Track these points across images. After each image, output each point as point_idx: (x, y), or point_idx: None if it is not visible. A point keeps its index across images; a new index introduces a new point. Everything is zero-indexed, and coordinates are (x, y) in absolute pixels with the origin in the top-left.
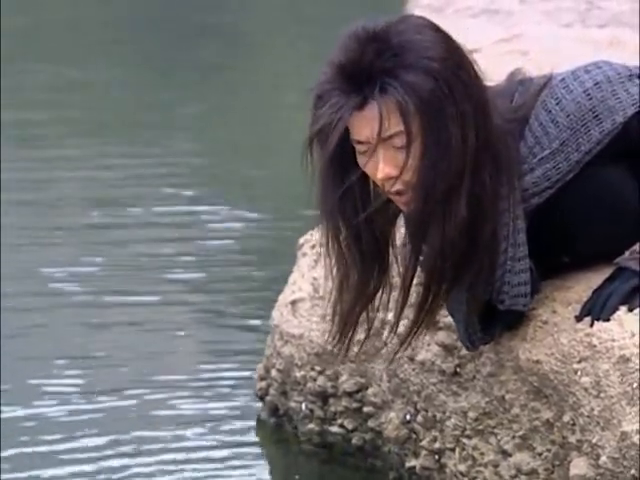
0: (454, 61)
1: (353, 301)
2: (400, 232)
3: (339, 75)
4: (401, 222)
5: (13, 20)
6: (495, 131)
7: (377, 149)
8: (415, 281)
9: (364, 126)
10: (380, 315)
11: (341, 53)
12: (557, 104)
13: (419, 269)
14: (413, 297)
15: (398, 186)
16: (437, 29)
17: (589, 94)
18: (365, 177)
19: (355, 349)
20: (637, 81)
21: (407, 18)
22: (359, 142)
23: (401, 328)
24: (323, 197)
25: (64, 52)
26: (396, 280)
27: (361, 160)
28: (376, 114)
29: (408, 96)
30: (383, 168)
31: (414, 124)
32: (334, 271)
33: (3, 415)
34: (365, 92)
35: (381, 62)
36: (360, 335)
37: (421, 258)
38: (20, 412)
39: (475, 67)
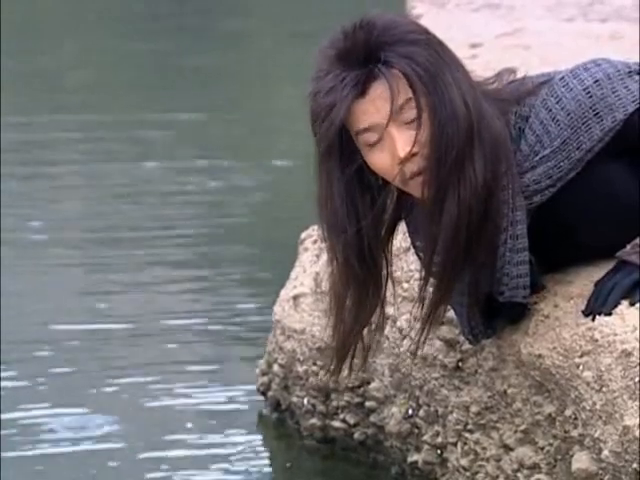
0: (434, 36)
1: (350, 326)
2: (399, 238)
3: (337, 63)
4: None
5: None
6: (485, 106)
7: (389, 130)
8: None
9: (370, 108)
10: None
11: (332, 48)
12: (557, 103)
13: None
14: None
15: (419, 164)
16: (406, 17)
17: (589, 92)
18: (367, 188)
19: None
20: (636, 77)
21: (377, 13)
22: (365, 130)
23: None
24: (325, 210)
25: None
26: (398, 275)
27: (371, 153)
28: (384, 88)
29: (410, 65)
30: (403, 146)
31: (421, 93)
32: (331, 294)
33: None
34: (367, 70)
35: (374, 40)
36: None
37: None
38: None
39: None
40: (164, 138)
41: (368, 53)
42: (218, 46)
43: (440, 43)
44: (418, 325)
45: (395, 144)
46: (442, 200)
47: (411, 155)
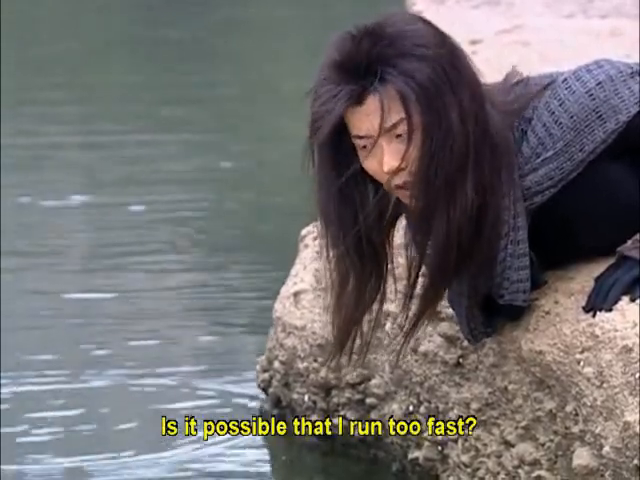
0: (447, 49)
1: (350, 311)
2: (400, 234)
3: (336, 70)
4: (400, 224)
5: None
6: (492, 121)
7: (380, 142)
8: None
9: (364, 120)
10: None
11: (336, 51)
12: (560, 105)
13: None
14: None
15: (404, 178)
16: (427, 22)
17: (592, 94)
18: (363, 181)
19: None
20: (638, 78)
21: (397, 13)
22: (359, 137)
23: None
24: (322, 202)
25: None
26: (399, 272)
27: (362, 156)
28: (377, 105)
29: (407, 84)
30: (389, 161)
31: (415, 112)
32: (331, 282)
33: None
34: (364, 83)
35: (377, 52)
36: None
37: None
38: None
39: (468, 58)
40: (166, 120)
41: (369, 65)
42: (217, 32)
43: (452, 54)
44: (406, 326)
45: (381, 157)
46: (429, 218)
47: (398, 170)
